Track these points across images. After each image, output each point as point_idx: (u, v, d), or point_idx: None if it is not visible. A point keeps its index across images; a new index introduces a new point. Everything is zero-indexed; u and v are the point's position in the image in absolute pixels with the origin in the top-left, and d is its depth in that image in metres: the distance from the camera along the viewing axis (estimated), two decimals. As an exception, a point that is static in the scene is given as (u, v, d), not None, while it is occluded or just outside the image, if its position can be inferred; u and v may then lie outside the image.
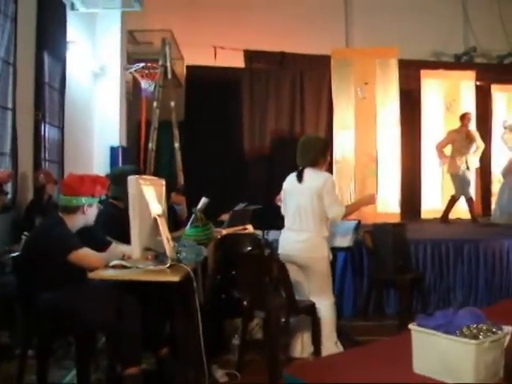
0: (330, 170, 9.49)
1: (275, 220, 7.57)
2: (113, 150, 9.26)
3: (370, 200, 5.03)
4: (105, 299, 3.71)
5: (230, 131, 11.06)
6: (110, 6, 8.60)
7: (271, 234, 7.18)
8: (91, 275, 3.57)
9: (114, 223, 4.64)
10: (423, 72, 10.64)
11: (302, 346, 4.76)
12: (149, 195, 3.68)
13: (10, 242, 5.59)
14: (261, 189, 10.60)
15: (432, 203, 10.19)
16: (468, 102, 10.54)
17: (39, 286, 3.73)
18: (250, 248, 5.04)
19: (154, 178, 4.29)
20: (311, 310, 4.56)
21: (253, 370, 4.60)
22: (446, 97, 10.56)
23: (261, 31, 11.89)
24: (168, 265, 3.57)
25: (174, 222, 6.11)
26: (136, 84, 10.38)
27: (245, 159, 11.05)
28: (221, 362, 4.62)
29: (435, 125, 10.37)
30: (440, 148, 9.20)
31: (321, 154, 4.74)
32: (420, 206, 10.30)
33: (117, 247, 4.13)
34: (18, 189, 6.40)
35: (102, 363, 4.45)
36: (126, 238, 4.56)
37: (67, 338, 4.85)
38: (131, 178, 3.58)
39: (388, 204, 9.01)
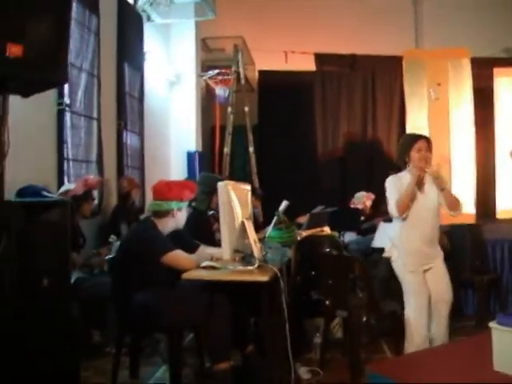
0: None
1: (350, 222, 7.69)
2: (189, 155, 9.45)
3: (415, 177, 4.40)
4: (196, 298, 3.91)
5: (303, 134, 11.11)
6: (184, 16, 8.82)
7: (346, 236, 7.28)
8: (184, 276, 3.75)
9: (195, 226, 4.85)
10: (496, 70, 10.44)
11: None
12: (237, 200, 3.85)
13: (97, 246, 5.85)
14: (334, 191, 10.65)
15: (507, 203, 10.01)
16: (544, 99, 10.32)
17: (133, 286, 3.95)
18: (329, 249, 5.18)
19: (241, 183, 4.45)
20: (392, 314, 4.62)
21: (334, 367, 4.72)
22: (521, 95, 10.35)
23: (330, 34, 11.93)
24: (256, 266, 3.74)
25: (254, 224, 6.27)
26: (209, 90, 10.60)
27: (318, 162, 11.09)
28: (303, 360, 4.76)
29: (510, 124, 10.18)
30: None
31: (403, 152, 4.53)
32: (495, 206, 10.13)
33: (205, 249, 4.34)
34: (103, 195, 6.69)
35: (188, 360, 4.67)
36: (207, 240, 4.78)
37: (154, 336, 5.10)
38: (221, 185, 3.77)
39: (463, 205, 8.93)
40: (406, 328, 4.49)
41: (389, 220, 7.04)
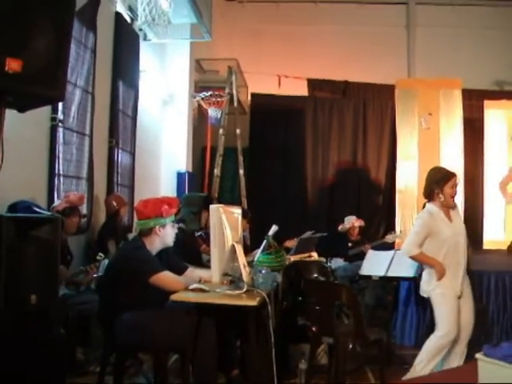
0: (392, 200, 9.64)
1: (337, 248, 7.70)
2: (179, 176, 9.46)
3: (438, 272, 4.62)
4: (183, 320, 3.88)
5: (293, 158, 11.17)
6: (180, 37, 8.86)
7: (334, 262, 7.29)
8: (172, 297, 3.73)
9: (182, 247, 4.83)
10: (487, 102, 10.56)
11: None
12: (227, 223, 3.85)
13: (85, 263, 5.81)
14: (322, 216, 10.70)
15: (494, 234, 10.08)
16: (533, 133, 10.42)
17: (120, 306, 3.93)
18: (316, 275, 5.18)
19: (232, 206, 4.46)
20: (378, 342, 4.66)
21: (319, 394, 4.71)
22: (510, 127, 10.44)
23: (324, 60, 12.06)
24: (244, 290, 3.73)
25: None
26: (201, 111, 10.63)
27: (307, 187, 11.13)
28: (288, 386, 4.73)
29: (499, 155, 10.28)
30: (503, 186, 9.16)
31: (436, 185, 4.68)
32: (482, 236, 10.20)
33: (193, 271, 4.33)
34: (92, 211, 6.66)
35: (172, 381, 4.62)
36: (194, 261, 4.76)
37: (138, 357, 5.06)
38: (213, 207, 3.78)
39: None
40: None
41: (377, 248, 7.10)
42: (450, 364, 4.67)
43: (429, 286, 4.71)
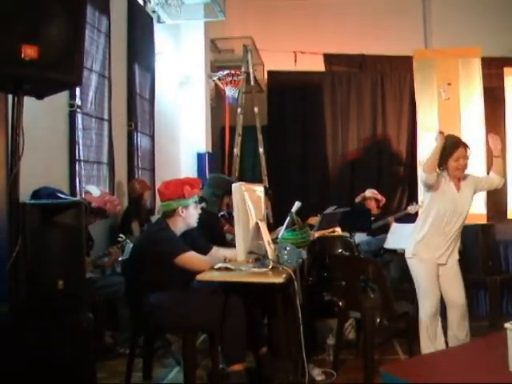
0: (413, 172, 9.56)
1: (360, 222, 7.65)
2: (199, 156, 9.47)
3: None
4: (210, 300, 3.91)
5: (313, 134, 11.09)
6: (194, 17, 8.82)
7: (357, 237, 7.24)
8: (198, 277, 3.74)
9: (206, 227, 4.83)
10: (507, 70, 10.38)
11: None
12: (250, 201, 3.85)
13: (108, 247, 5.83)
14: (344, 191, 10.64)
15: (519, 204, 9.95)
16: (554, 99, 10.23)
17: (147, 287, 3.95)
18: (341, 250, 5.17)
19: (255, 184, 4.45)
20: (405, 315, 4.63)
21: (348, 369, 4.72)
22: (532, 94, 10.27)
23: (339, 34, 11.94)
24: (270, 267, 3.73)
25: (265, 225, 6.24)
26: (218, 91, 10.61)
27: (327, 162, 11.07)
28: (316, 362, 4.74)
29: (520, 123, 10.12)
30: None
31: (442, 159, 4.47)
32: (506, 206, 10.08)
33: (218, 251, 4.33)
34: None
35: (201, 361, 4.67)
36: (218, 241, 4.76)
37: (167, 338, 5.10)
38: (235, 186, 3.77)
39: (474, 205, 8.89)
40: (420, 329, 4.54)
41: (401, 220, 7.05)
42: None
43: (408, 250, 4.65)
